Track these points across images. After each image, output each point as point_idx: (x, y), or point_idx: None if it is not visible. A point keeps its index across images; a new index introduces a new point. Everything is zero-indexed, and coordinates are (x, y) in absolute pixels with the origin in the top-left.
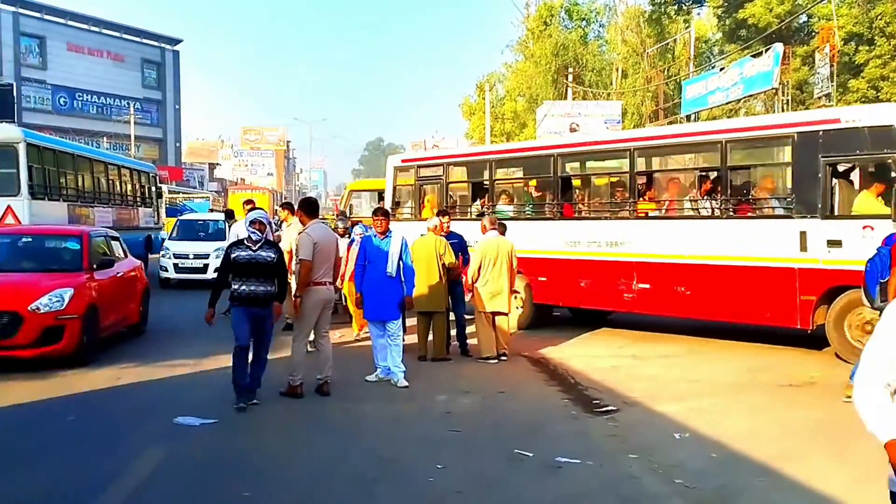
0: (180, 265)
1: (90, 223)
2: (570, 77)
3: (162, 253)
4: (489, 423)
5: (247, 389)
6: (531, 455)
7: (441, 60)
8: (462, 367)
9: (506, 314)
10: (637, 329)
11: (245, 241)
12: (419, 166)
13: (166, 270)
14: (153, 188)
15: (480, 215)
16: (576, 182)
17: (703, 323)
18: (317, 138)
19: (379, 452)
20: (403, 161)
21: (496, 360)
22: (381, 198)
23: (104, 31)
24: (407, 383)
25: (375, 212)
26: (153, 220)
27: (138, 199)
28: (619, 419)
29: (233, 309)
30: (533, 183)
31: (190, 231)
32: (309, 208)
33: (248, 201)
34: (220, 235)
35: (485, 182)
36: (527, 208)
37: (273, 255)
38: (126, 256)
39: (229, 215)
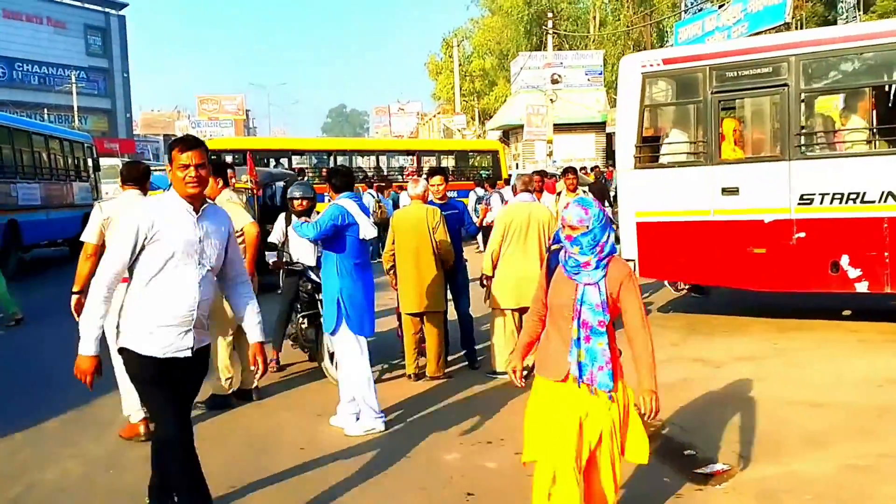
0: None
1: (12, 202)
2: (551, 24)
3: None
4: None
5: None
6: None
7: (403, 19)
8: (473, 390)
9: None
10: (677, 311)
11: None
12: (715, 68)
13: None
14: (89, 160)
15: None
16: None
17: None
18: (276, 105)
19: None
20: (668, 62)
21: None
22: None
23: None
24: (383, 425)
25: (331, 175)
26: (91, 195)
27: (72, 172)
28: (740, 489)
29: None
30: None
31: None
32: (130, 174)
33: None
34: None
35: None
36: None
37: None
38: None
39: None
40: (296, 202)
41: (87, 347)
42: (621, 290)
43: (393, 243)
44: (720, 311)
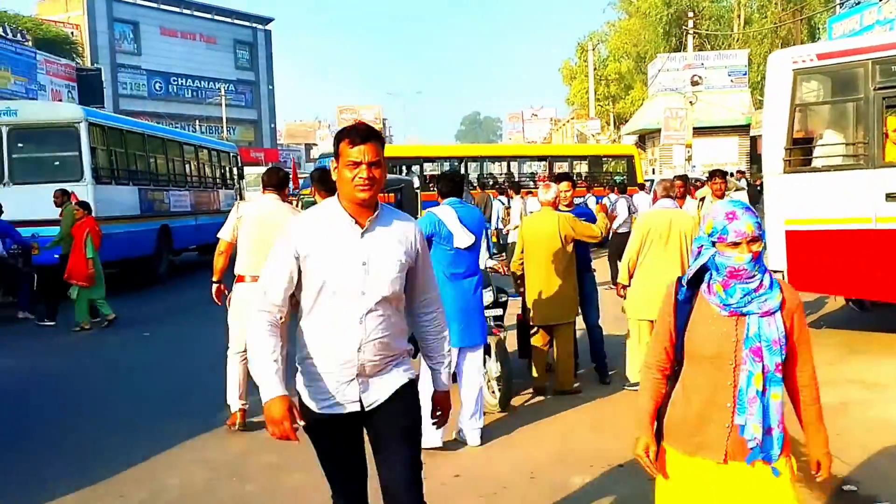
0: None
1: (165, 209)
2: (692, 23)
3: None
4: None
5: None
6: None
7: (537, 26)
8: (603, 406)
9: None
10: (832, 327)
11: None
12: (879, 62)
13: None
14: (234, 169)
15: None
16: None
17: None
18: (411, 113)
19: None
20: (822, 56)
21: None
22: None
23: (195, 13)
24: (479, 440)
25: (438, 181)
26: (235, 202)
27: (218, 180)
28: None
29: None
30: None
31: None
32: (269, 180)
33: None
34: None
35: None
36: None
37: None
38: None
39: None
40: None
41: (270, 389)
42: (794, 325)
43: (522, 251)
44: (884, 327)
